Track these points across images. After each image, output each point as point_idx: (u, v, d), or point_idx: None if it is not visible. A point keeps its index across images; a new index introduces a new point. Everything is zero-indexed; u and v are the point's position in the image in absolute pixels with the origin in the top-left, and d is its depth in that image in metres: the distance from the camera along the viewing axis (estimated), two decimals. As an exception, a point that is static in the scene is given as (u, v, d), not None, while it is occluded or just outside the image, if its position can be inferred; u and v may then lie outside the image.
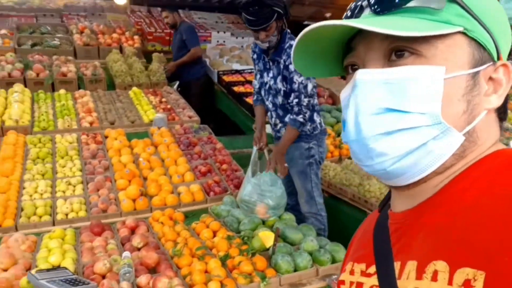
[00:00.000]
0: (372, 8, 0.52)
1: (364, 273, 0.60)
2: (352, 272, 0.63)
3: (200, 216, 2.34)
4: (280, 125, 2.64)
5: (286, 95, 2.46)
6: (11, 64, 4.19)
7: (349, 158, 3.41)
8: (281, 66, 2.42)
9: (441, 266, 0.47)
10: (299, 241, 2.00)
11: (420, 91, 0.50)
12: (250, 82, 4.72)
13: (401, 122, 0.50)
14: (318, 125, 2.58)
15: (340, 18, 0.56)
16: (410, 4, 0.49)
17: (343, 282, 0.64)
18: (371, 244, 0.60)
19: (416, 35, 0.48)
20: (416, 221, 0.54)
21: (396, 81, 0.50)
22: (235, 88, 4.79)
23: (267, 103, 2.64)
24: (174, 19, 4.90)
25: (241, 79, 5.05)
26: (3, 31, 4.95)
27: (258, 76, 2.67)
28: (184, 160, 2.96)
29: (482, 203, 0.48)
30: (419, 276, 0.49)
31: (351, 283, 0.62)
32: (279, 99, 2.52)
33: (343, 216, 2.80)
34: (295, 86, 2.37)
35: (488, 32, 0.51)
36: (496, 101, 0.53)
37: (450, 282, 0.45)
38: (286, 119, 2.52)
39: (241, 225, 2.16)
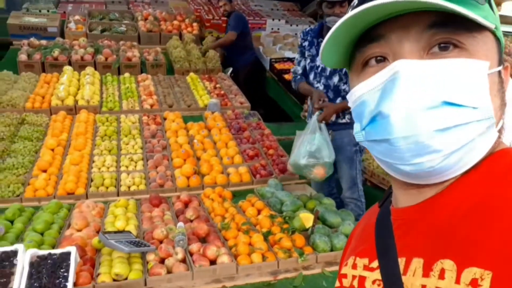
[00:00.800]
0: None
1: (367, 267, 0.60)
2: (354, 266, 0.62)
3: (246, 196, 2.52)
4: None
5: (341, 76, 2.57)
6: (83, 48, 4.60)
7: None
8: None
9: (448, 265, 0.47)
10: (337, 225, 2.13)
11: (471, 85, 0.48)
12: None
13: (458, 117, 0.47)
14: None
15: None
16: None
17: (345, 275, 0.64)
18: (373, 239, 0.60)
19: (487, 25, 0.47)
20: (422, 218, 0.54)
21: (448, 74, 0.48)
22: (286, 76, 4.90)
23: (317, 85, 2.74)
24: (231, 7, 5.10)
25: (292, 66, 5.15)
26: (77, 17, 5.41)
27: (308, 60, 2.79)
28: (234, 144, 3.16)
29: (490, 202, 0.47)
30: (425, 274, 0.49)
31: (354, 276, 0.62)
32: (334, 80, 2.63)
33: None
34: None
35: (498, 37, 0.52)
36: (505, 98, 0.54)
37: (457, 281, 0.45)
38: (337, 101, 2.63)
39: (284, 206, 2.32)
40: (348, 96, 0.58)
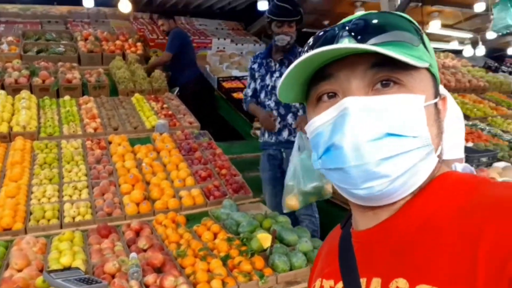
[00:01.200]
0: (356, 37, 0.55)
1: None
2: None
3: (201, 219, 2.46)
4: (277, 126, 2.78)
5: None
6: (17, 70, 4.32)
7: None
8: None
9: (402, 283, 0.51)
10: (294, 243, 2.13)
11: (411, 117, 0.55)
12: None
13: (400, 146, 0.54)
14: None
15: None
16: (393, 38, 0.54)
17: None
18: (337, 261, 0.64)
19: (419, 65, 0.55)
20: (378, 240, 0.58)
21: (389, 108, 0.54)
22: (234, 95, 4.93)
23: (268, 103, 2.79)
24: (170, 26, 5.05)
25: (240, 85, 5.20)
26: (10, 38, 5.08)
27: (259, 80, 2.85)
28: (185, 165, 3.08)
29: (435, 223, 0.52)
30: None
31: None
32: None
33: (335, 219, 2.90)
34: None
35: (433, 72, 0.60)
36: (443, 126, 0.60)
37: None
38: (288, 118, 2.70)
39: (240, 227, 2.28)
40: (306, 128, 0.63)
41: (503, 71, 9.17)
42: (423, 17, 6.53)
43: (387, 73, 0.55)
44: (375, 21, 0.56)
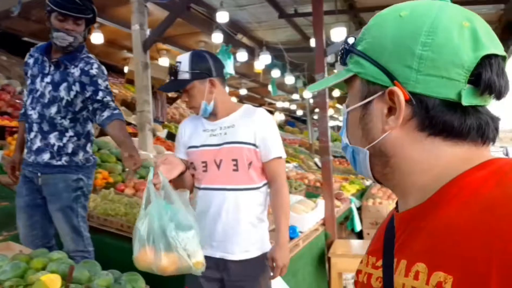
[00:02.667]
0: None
1: (374, 266, 0.68)
2: (367, 264, 0.70)
3: None
4: (38, 144, 2.19)
5: (60, 108, 2.16)
6: None
7: (105, 187, 3.21)
8: (75, 73, 2.15)
9: (422, 267, 0.54)
10: (86, 280, 1.73)
11: (343, 122, 0.71)
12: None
13: (342, 142, 0.71)
14: (91, 157, 2.34)
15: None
16: (346, 60, 0.66)
17: (360, 271, 0.72)
18: (382, 240, 0.67)
19: (346, 78, 0.65)
20: (409, 223, 0.61)
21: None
22: None
23: (30, 113, 2.18)
24: None
25: None
26: None
27: (29, 81, 2.23)
28: None
29: (462, 214, 0.53)
30: (406, 274, 0.56)
31: (365, 273, 0.70)
32: (52, 110, 2.13)
33: (109, 248, 2.59)
34: (102, 87, 2.17)
35: (379, 66, 0.60)
36: (394, 122, 0.59)
37: (427, 282, 0.52)
38: (51, 137, 2.16)
39: (1, 275, 1.65)
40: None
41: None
42: (157, 52, 6.94)
43: (346, 88, 0.69)
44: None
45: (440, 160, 0.59)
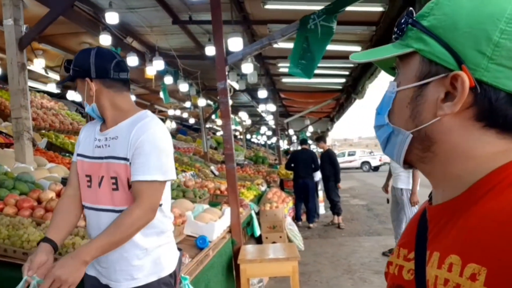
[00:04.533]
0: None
1: (406, 258, 0.67)
2: (398, 256, 0.70)
3: None
4: None
5: None
6: None
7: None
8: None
9: (455, 259, 0.53)
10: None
11: (385, 100, 0.66)
12: None
13: (377, 120, 0.67)
14: None
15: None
16: (403, 33, 0.63)
17: (391, 263, 0.72)
18: (414, 233, 0.66)
19: (401, 53, 0.62)
20: (443, 216, 0.61)
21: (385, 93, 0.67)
22: None
23: None
24: None
25: None
26: None
27: None
28: None
29: (498, 210, 0.52)
30: (439, 266, 0.56)
31: (396, 265, 0.69)
32: None
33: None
34: None
35: (446, 46, 0.56)
36: (450, 108, 0.57)
37: (461, 274, 0.52)
38: None
39: None
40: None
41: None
42: (32, 52, 6.15)
43: (397, 63, 0.65)
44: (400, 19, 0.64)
45: (485, 151, 0.57)
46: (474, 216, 0.55)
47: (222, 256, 3.33)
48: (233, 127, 17.79)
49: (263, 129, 17.26)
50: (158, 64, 6.50)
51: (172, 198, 3.98)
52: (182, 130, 15.07)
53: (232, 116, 15.22)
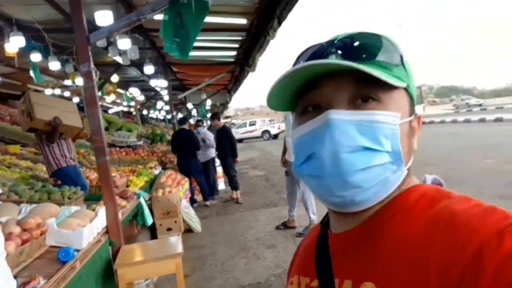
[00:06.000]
0: (342, 55, 0.59)
1: (308, 286, 0.68)
2: (299, 285, 0.70)
3: None
4: None
5: None
6: None
7: None
8: None
9: (370, 286, 0.56)
10: None
11: (386, 133, 0.59)
12: None
13: (374, 159, 0.58)
14: None
15: None
16: (378, 58, 0.59)
17: None
18: (314, 259, 0.68)
19: (397, 85, 0.59)
20: (350, 244, 0.63)
21: (367, 123, 0.58)
22: None
23: None
24: None
25: None
26: None
27: None
28: None
29: (401, 232, 0.57)
30: None
31: None
32: None
33: None
34: None
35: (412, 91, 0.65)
36: (416, 144, 0.66)
37: None
38: None
39: None
40: (291, 134, 0.67)
41: None
42: None
43: (369, 90, 0.59)
44: (361, 41, 0.61)
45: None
46: (380, 243, 0.58)
47: (97, 263, 2.99)
48: (125, 103, 16.63)
49: (160, 104, 16.45)
50: (17, 40, 5.54)
51: (34, 202, 3.45)
52: (67, 110, 13.60)
53: (122, 91, 14.19)
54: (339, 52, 0.60)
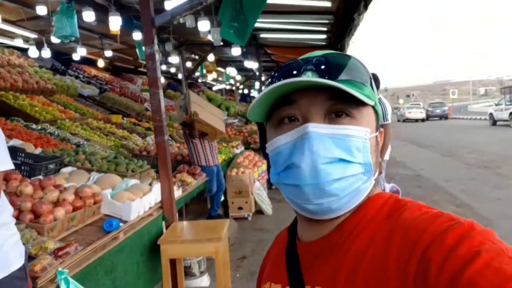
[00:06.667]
0: (318, 72, 0.64)
1: None
2: None
3: None
4: None
5: None
6: None
7: None
8: None
9: None
10: None
11: (359, 146, 0.64)
12: None
13: (348, 170, 0.63)
14: None
15: None
16: (351, 78, 0.64)
17: None
18: (285, 267, 0.72)
19: (367, 102, 0.65)
20: (320, 252, 0.67)
21: (342, 137, 0.63)
22: None
23: None
24: None
25: None
26: None
27: None
28: None
29: (363, 238, 0.63)
30: None
31: None
32: None
33: None
34: None
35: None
36: (383, 155, 0.71)
37: None
38: None
39: None
40: (267, 145, 0.70)
41: (70, 75, 9.71)
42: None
43: (342, 105, 0.64)
44: (335, 60, 0.65)
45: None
46: (346, 252, 0.63)
47: (144, 236, 3.16)
48: (226, 82, 17.14)
49: (257, 84, 16.74)
50: (116, 20, 6.05)
51: (103, 171, 3.77)
52: (173, 85, 14.66)
53: (222, 70, 14.66)
54: (315, 69, 0.65)
